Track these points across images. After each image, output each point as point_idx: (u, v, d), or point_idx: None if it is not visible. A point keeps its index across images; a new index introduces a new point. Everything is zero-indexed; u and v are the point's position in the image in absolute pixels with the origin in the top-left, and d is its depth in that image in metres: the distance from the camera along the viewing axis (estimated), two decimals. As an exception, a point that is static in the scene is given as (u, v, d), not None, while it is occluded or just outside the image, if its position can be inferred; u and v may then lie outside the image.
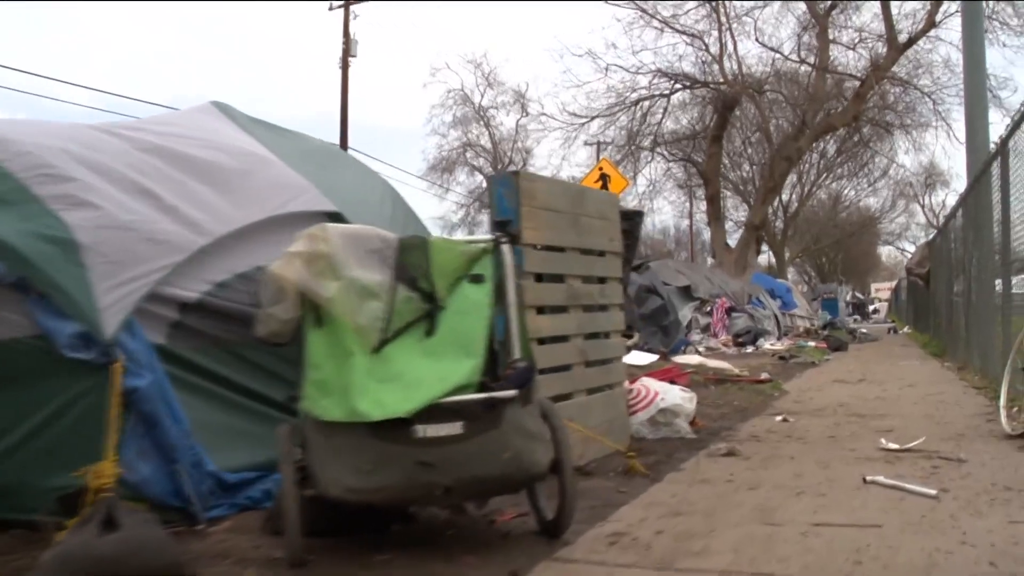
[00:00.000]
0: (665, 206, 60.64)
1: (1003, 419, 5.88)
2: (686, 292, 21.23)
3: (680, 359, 11.65)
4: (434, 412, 2.98)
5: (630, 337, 11.94)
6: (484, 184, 55.73)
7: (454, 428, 2.99)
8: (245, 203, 4.56)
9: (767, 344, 19.06)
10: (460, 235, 57.44)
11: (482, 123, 50.89)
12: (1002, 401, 6.12)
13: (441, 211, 48.58)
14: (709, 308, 21.06)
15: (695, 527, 3.53)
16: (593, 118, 28.82)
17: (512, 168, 46.14)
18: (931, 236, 22.71)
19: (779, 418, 6.72)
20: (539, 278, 4.82)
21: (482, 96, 44.32)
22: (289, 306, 3.17)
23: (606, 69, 27.73)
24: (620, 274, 5.71)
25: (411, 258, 3.28)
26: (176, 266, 4.05)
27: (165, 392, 3.83)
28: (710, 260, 38.09)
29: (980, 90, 13.99)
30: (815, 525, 3.49)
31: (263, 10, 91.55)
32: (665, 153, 30.24)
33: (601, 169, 22.11)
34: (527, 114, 39.39)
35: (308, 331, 3.18)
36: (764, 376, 10.33)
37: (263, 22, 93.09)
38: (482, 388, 3.19)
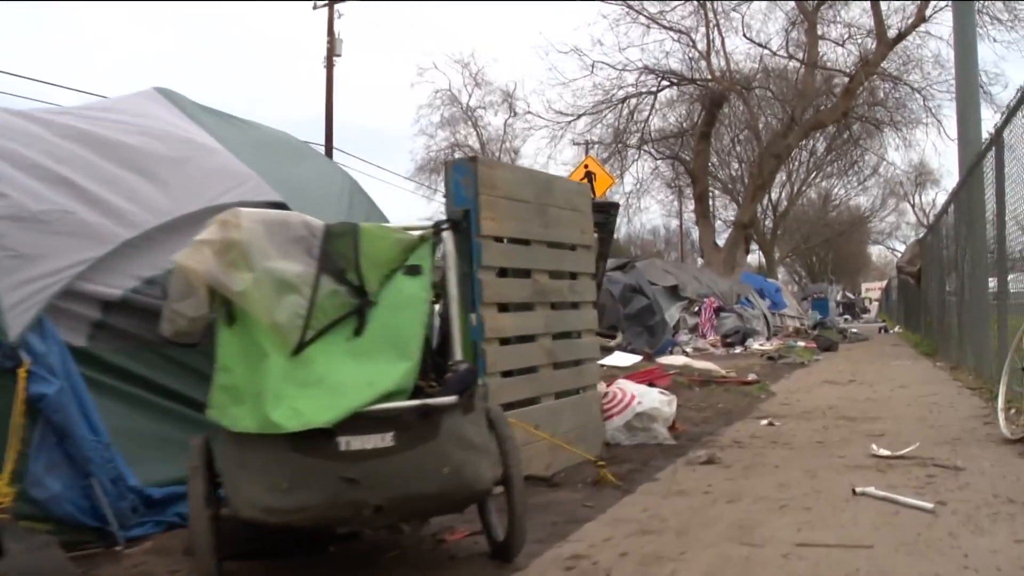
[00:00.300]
0: (654, 206, 60.41)
1: (1001, 422, 5.52)
2: (674, 292, 20.92)
3: (665, 360, 11.29)
4: (360, 422, 2.60)
5: (612, 337, 11.60)
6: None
7: (384, 440, 2.60)
8: (179, 193, 4.18)
9: (756, 344, 18.71)
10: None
11: (470, 123, 50.67)
12: (1000, 403, 5.75)
13: (429, 211, 48.29)
14: (697, 308, 20.73)
15: (664, 548, 3.15)
16: (579, 116, 28.40)
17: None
18: (922, 234, 22.40)
19: (764, 422, 6.36)
20: (502, 273, 4.46)
21: (470, 96, 44.02)
22: (198, 301, 2.77)
23: (592, 66, 27.39)
24: (593, 269, 5.33)
25: (339, 247, 2.88)
26: (96, 261, 3.68)
27: (80, 399, 3.46)
28: (700, 260, 37.73)
29: (972, 83, 13.65)
30: (799, 545, 3.11)
31: (263, 10, 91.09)
32: (652, 151, 29.87)
33: (587, 167, 21.77)
34: (515, 114, 39.01)
35: (218, 329, 2.78)
36: (751, 377, 9.97)
37: (263, 22, 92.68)
38: (419, 394, 2.81)
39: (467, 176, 4.27)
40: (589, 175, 21.80)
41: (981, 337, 9.65)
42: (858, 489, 3.89)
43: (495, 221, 4.34)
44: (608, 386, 5.81)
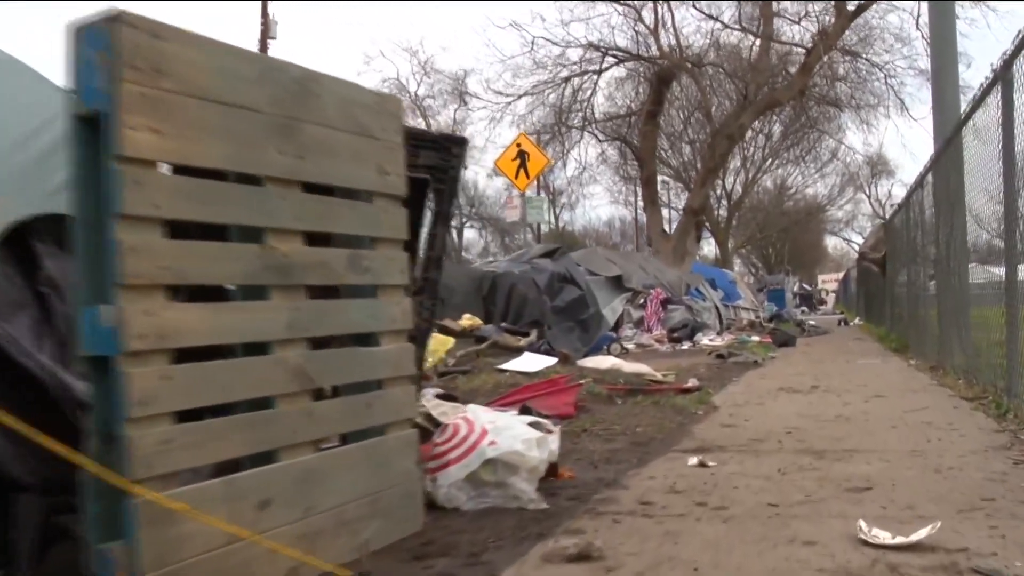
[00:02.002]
0: (602, 193, 59.05)
1: (1050, 468, 3.57)
2: (617, 283, 19.06)
3: (589, 362, 9.26)
4: None
5: (524, 335, 9.62)
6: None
7: None
8: None
9: (706, 339, 16.83)
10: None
11: (418, 113, 49.02)
12: (1047, 438, 3.77)
13: None
14: (642, 300, 18.83)
15: None
16: (520, 96, 26.45)
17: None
18: (887, 216, 20.54)
19: (694, 461, 4.37)
20: (182, 231, 2.43)
21: (418, 85, 42.39)
22: None
23: (532, 42, 25.43)
24: (405, 235, 3.28)
25: None
26: None
27: None
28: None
29: (949, 38, 11.80)
30: None
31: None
32: (597, 133, 27.90)
33: (519, 146, 19.81)
34: (465, 104, 37.16)
35: None
36: (691, 383, 8.01)
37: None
38: None
39: (104, 49, 2.24)
40: (522, 154, 19.90)
41: (970, 332, 7.79)
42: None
43: (165, 136, 2.31)
44: (461, 417, 3.82)
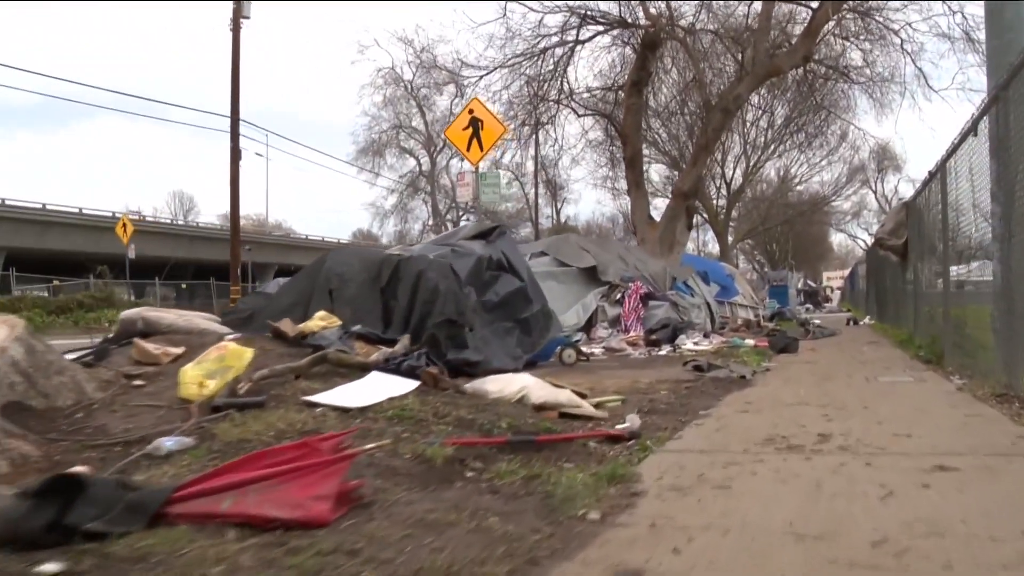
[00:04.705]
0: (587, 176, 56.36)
1: None
2: (591, 275, 16.08)
3: (490, 384, 6.09)
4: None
5: (386, 344, 6.44)
6: (416, 168, 50.58)
7: None
8: None
9: (690, 343, 13.67)
10: (391, 224, 53.01)
11: (413, 102, 46.47)
12: None
13: (372, 197, 45.91)
14: (620, 295, 15.74)
15: None
16: (494, 69, 23.20)
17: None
18: (910, 194, 17.19)
19: None
20: None
21: (415, 74, 39.66)
22: None
23: (505, 7, 22.11)
24: None
25: None
26: None
27: None
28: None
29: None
30: None
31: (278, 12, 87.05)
32: (576, 108, 24.64)
33: (472, 112, 16.64)
34: (462, 95, 34.20)
35: None
36: (625, 426, 4.92)
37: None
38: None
39: None
40: (475, 122, 16.76)
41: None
42: None
43: None
44: None
